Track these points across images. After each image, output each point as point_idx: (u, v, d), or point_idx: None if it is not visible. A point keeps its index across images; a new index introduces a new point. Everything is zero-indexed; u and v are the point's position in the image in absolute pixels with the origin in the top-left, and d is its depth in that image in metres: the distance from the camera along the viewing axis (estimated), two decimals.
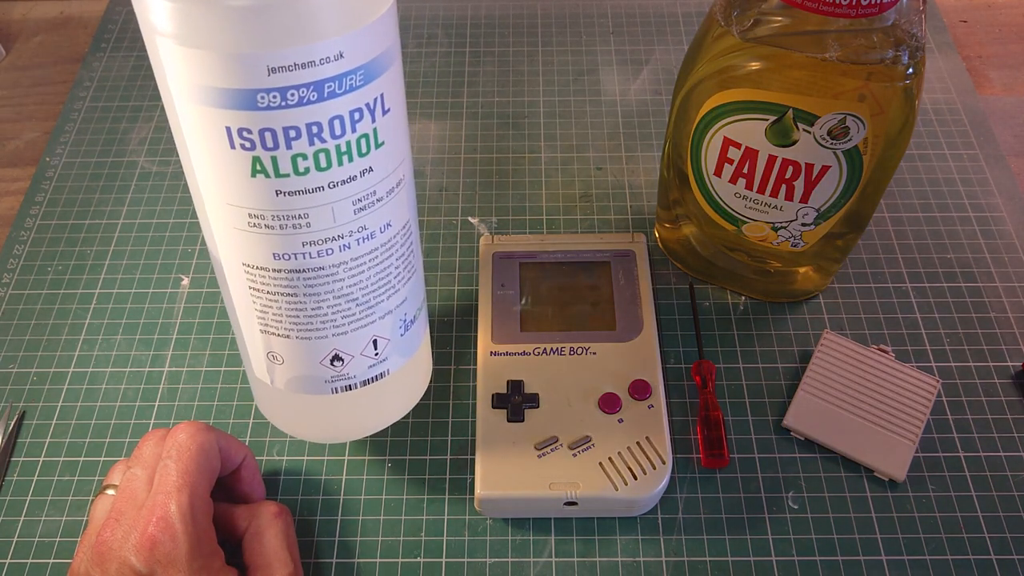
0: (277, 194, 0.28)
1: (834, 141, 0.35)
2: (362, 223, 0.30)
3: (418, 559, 0.38)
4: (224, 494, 0.37)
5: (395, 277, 0.33)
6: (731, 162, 0.38)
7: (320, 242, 0.30)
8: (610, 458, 0.37)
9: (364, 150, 0.28)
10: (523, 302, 0.43)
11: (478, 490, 0.37)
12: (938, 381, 0.41)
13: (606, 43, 0.60)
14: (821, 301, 0.46)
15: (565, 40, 0.60)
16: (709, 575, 0.37)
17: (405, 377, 0.37)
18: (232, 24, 0.24)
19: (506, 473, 0.37)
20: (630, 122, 0.55)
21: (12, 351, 0.45)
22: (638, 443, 0.38)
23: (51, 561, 0.38)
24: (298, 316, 0.32)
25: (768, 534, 0.38)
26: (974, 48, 0.60)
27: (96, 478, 0.40)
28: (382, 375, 0.35)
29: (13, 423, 0.42)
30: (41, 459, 0.41)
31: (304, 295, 0.31)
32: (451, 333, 0.45)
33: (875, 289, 0.46)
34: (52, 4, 0.65)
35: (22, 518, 0.39)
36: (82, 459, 0.41)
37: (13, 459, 0.41)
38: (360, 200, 0.29)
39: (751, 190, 0.39)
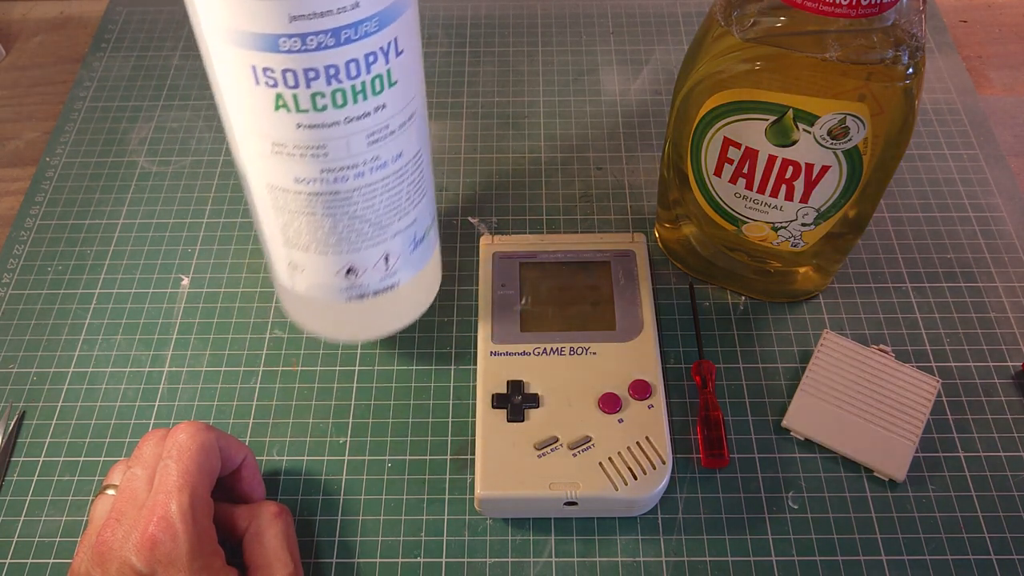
0: (298, 127, 0.30)
1: (834, 141, 0.35)
2: (375, 153, 0.33)
3: (418, 559, 0.38)
4: (224, 494, 0.37)
5: (406, 200, 0.35)
6: (731, 162, 0.38)
7: (336, 170, 0.32)
8: (610, 458, 0.37)
9: (378, 89, 0.31)
10: (523, 302, 0.43)
11: (478, 490, 0.37)
12: (938, 381, 0.41)
13: (606, 43, 0.60)
14: (821, 301, 0.46)
15: (565, 40, 0.60)
16: (709, 575, 0.37)
17: (415, 288, 0.40)
18: None
19: (506, 473, 0.37)
20: (630, 122, 0.55)
21: (12, 351, 0.45)
22: (638, 443, 0.38)
23: (51, 561, 0.38)
24: (316, 233, 0.35)
25: (768, 534, 0.38)
26: (974, 48, 0.60)
27: (96, 478, 0.40)
28: (393, 286, 0.38)
29: (13, 423, 0.42)
30: (41, 459, 0.41)
31: (322, 215, 0.34)
32: (451, 333, 0.45)
33: (875, 289, 0.46)
34: (52, 4, 0.65)
35: (22, 518, 0.39)
36: (82, 459, 0.41)
37: (13, 459, 0.41)
38: (374, 134, 0.32)
39: (751, 190, 0.39)
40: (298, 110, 0.30)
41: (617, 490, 0.37)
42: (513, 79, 0.57)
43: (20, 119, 0.57)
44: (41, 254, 0.49)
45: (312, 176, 0.32)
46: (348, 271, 0.36)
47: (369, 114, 0.31)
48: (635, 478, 0.37)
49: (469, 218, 0.50)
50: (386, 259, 0.37)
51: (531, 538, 0.38)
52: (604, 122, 0.55)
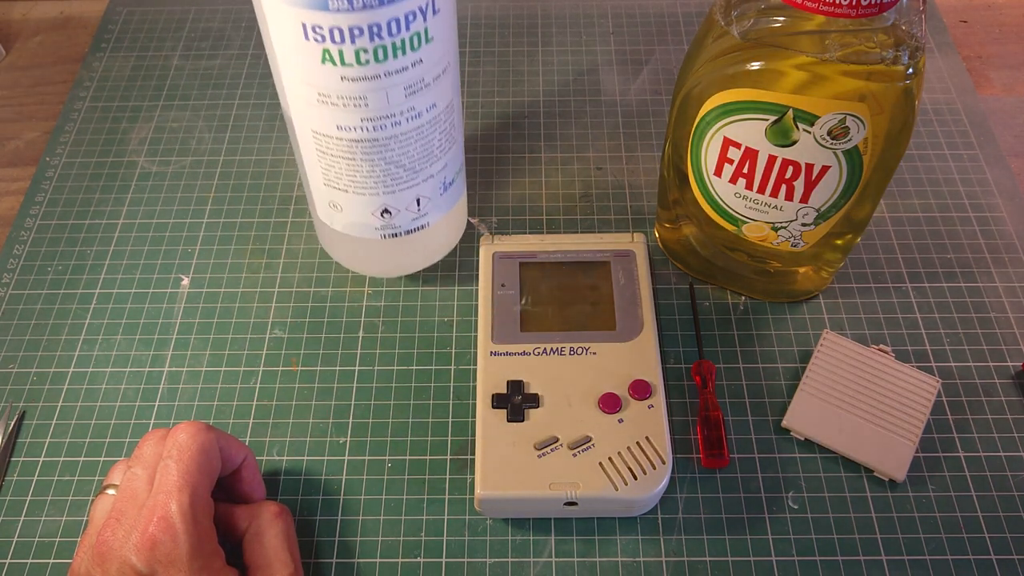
0: (342, 79, 0.33)
1: (834, 141, 0.35)
2: (411, 104, 0.36)
3: (418, 559, 0.38)
4: (224, 494, 0.37)
5: (437, 147, 0.39)
6: (731, 162, 0.38)
7: (375, 119, 0.35)
8: (610, 458, 0.37)
9: (416, 45, 0.33)
10: (523, 302, 0.43)
11: (478, 490, 0.37)
12: (938, 381, 0.41)
13: (606, 43, 0.60)
14: (821, 301, 0.46)
15: (565, 40, 0.60)
16: (709, 575, 0.37)
17: (443, 228, 0.44)
18: None
19: (506, 473, 0.37)
20: (630, 122, 0.55)
21: (12, 351, 0.45)
22: (638, 443, 0.38)
23: (51, 561, 0.38)
24: (355, 176, 0.38)
25: (768, 534, 0.38)
26: (974, 48, 0.60)
27: (96, 478, 0.40)
28: (423, 227, 0.42)
29: (13, 423, 0.42)
30: (41, 459, 0.41)
31: (360, 160, 0.37)
32: (451, 333, 0.45)
33: (875, 289, 0.46)
34: (52, 4, 0.65)
35: (22, 518, 0.39)
36: (82, 459, 0.41)
37: (13, 459, 0.41)
38: (411, 86, 0.35)
39: (751, 190, 0.39)
40: (343, 64, 0.33)
41: (617, 490, 0.37)
42: (513, 79, 0.57)
43: (20, 119, 0.57)
44: (41, 254, 0.49)
45: (353, 124, 0.35)
46: (383, 211, 0.40)
47: (407, 68, 0.34)
48: (635, 478, 0.37)
49: (469, 218, 0.50)
50: (418, 201, 0.40)
51: (531, 538, 0.38)
52: (604, 122, 0.55)
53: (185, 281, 0.47)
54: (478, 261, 0.46)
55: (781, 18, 0.34)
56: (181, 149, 0.54)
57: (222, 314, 0.46)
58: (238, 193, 0.51)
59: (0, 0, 0.66)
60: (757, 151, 0.37)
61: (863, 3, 0.31)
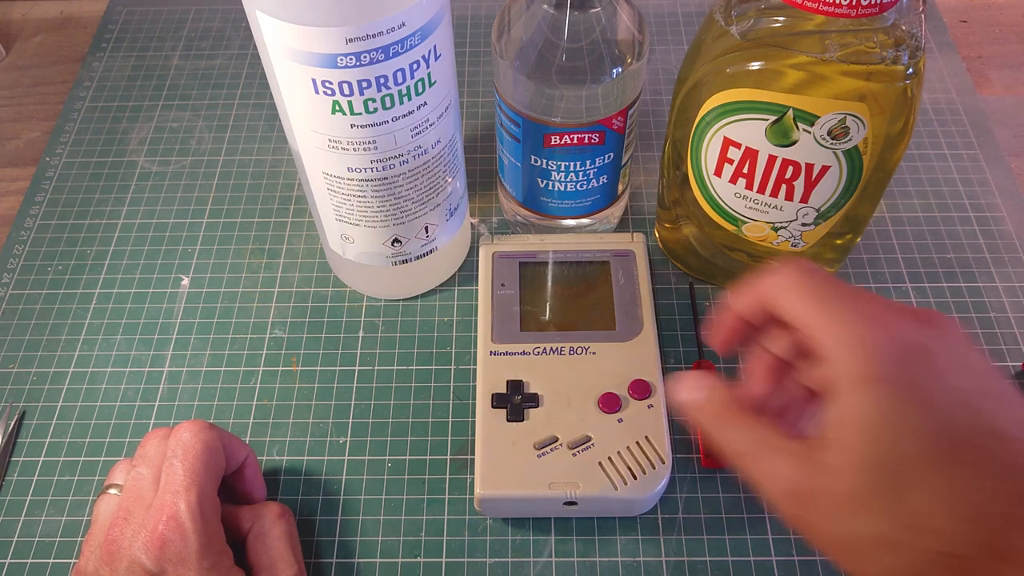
0: (351, 127, 0.35)
1: (834, 141, 0.35)
2: (417, 143, 0.37)
3: (418, 559, 0.38)
4: (226, 493, 0.37)
5: (442, 178, 0.40)
6: (731, 162, 0.38)
7: (384, 160, 0.37)
8: (610, 458, 0.37)
9: (420, 90, 0.35)
10: (523, 302, 0.43)
11: (478, 490, 0.37)
12: None
13: None
14: None
15: None
16: (709, 575, 0.37)
17: (450, 250, 0.45)
18: (320, 6, 0.30)
19: (506, 473, 0.37)
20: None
21: (12, 351, 0.45)
22: (638, 443, 0.38)
23: (51, 561, 0.38)
24: (366, 211, 0.39)
25: (768, 534, 0.38)
26: (974, 48, 0.60)
27: (96, 478, 0.40)
28: (432, 251, 0.43)
29: (13, 423, 0.42)
30: (41, 459, 0.41)
31: (371, 197, 0.38)
32: (451, 333, 0.45)
33: (875, 289, 0.46)
34: (52, 4, 0.65)
35: (22, 518, 0.39)
36: (82, 459, 0.41)
37: (13, 459, 0.41)
38: (416, 127, 0.36)
39: (751, 190, 0.39)
40: (352, 113, 0.34)
41: (617, 490, 0.37)
42: None
43: (20, 119, 0.57)
44: (41, 254, 0.49)
45: (363, 166, 0.37)
46: (394, 241, 0.41)
47: (413, 112, 0.35)
48: (635, 478, 0.37)
49: (470, 219, 0.50)
50: (426, 229, 0.41)
51: (531, 538, 0.38)
52: None
53: (185, 281, 0.47)
54: (478, 261, 0.46)
55: (781, 18, 0.34)
56: (181, 149, 0.54)
57: (222, 314, 0.46)
58: (238, 193, 0.51)
59: (0, 0, 0.66)
60: (757, 151, 0.37)
61: (863, 3, 0.31)
